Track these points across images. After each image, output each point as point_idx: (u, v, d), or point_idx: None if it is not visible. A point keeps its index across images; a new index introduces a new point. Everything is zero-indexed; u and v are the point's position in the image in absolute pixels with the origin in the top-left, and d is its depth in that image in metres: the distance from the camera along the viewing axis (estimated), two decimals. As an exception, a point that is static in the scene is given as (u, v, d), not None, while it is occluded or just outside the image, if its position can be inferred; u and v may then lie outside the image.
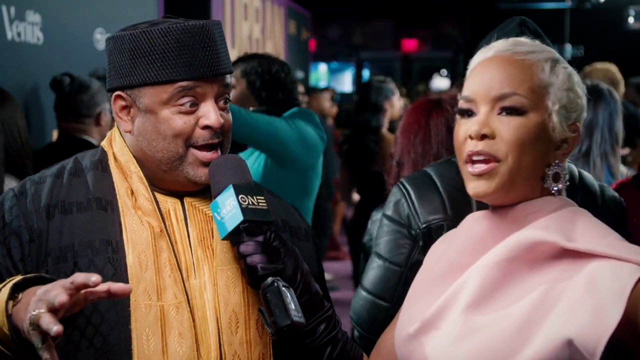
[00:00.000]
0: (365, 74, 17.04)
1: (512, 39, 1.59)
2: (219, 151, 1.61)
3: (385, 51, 16.59)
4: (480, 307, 1.48)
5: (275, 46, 9.39)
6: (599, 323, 1.33)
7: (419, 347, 1.53)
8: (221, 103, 1.60)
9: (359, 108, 5.69)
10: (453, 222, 1.84)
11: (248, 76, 3.28)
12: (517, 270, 1.48)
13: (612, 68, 5.71)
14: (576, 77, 1.55)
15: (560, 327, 1.37)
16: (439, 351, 1.50)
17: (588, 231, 1.48)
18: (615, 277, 1.36)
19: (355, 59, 16.94)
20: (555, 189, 1.52)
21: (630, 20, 10.25)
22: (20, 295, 1.34)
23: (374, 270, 2.03)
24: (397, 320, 1.67)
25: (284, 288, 1.49)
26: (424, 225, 1.93)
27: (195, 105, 1.56)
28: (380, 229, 2.04)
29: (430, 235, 1.92)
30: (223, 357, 1.55)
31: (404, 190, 1.99)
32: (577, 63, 1.63)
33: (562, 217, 1.51)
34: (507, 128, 1.49)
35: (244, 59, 3.38)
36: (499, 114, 1.51)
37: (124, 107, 1.61)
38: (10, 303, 1.33)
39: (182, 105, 1.55)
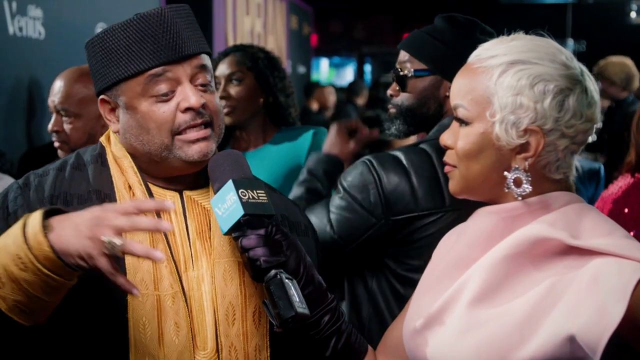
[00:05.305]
0: (367, 69, 17.00)
1: (494, 40, 1.58)
2: (209, 130, 1.60)
3: (387, 46, 16.54)
4: (484, 301, 1.48)
5: (277, 41, 9.38)
6: (602, 320, 1.33)
7: (424, 342, 1.54)
8: (199, 83, 1.60)
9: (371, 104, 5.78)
10: (426, 212, 2.02)
11: (254, 65, 3.03)
12: (522, 266, 1.48)
13: (628, 62, 5.68)
14: (536, 79, 1.47)
15: (563, 323, 1.38)
16: (443, 346, 1.50)
17: (594, 228, 1.48)
18: (619, 275, 1.37)
19: (357, 54, 16.90)
20: (518, 192, 1.51)
21: (633, 14, 10.24)
22: (51, 222, 1.38)
23: (342, 210, 2.11)
24: (404, 314, 1.68)
25: (287, 280, 1.49)
26: (391, 219, 2.04)
27: (172, 91, 1.57)
28: (350, 173, 2.12)
29: (396, 228, 2.04)
30: (220, 348, 1.57)
31: (375, 177, 2.06)
32: (579, 58, 1.61)
33: (569, 213, 1.51)
34: (457, 138, 1.56)
35: (236, 50, 3.11)
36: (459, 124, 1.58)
37: (111, 110, 1.64)
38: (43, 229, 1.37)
39: (158, 94, 1.57)
